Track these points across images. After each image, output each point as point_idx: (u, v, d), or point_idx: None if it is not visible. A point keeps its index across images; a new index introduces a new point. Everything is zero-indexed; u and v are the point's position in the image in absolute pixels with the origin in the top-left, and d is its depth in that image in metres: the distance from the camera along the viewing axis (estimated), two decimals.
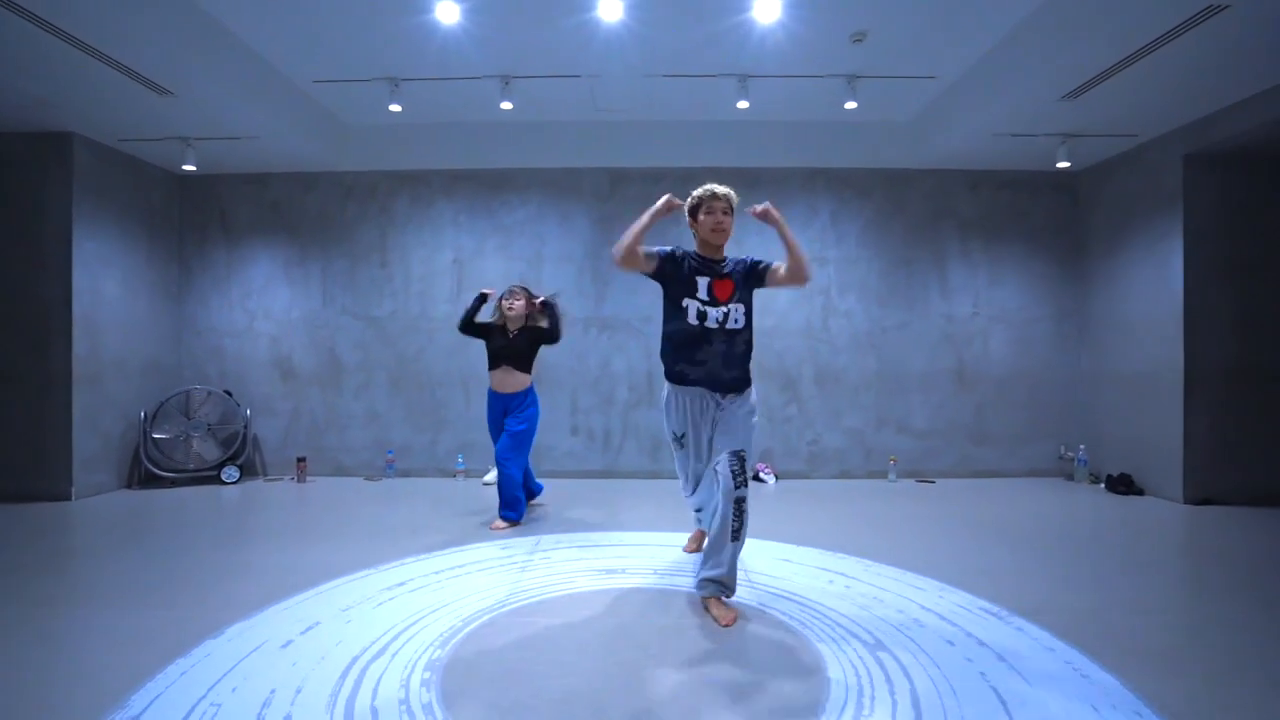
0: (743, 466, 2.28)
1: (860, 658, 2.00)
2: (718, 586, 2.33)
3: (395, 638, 2.14)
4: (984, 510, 4.04)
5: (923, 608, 2.40)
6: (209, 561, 2.96)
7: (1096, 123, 4.15)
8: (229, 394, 4.93)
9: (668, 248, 2.44)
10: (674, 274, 2.40)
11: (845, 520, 3.80)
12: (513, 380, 3.70)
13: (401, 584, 2.65)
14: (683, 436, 2.49)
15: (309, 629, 2.21)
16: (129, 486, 4.67)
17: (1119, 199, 4.73)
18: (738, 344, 2.38)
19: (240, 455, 4.89)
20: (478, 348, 5.09)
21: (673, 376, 2.46)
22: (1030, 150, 4.63)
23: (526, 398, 3.71)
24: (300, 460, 4.90)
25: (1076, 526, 3.69)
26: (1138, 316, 4.57)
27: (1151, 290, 4.45)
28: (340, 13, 3.49)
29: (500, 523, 3.53)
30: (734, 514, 2.24)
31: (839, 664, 1.96)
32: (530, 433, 3.71)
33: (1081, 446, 4.94)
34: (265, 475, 5.11)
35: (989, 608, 2.40)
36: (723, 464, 2.28)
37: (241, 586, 2.62)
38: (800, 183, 5.10)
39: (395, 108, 4.33)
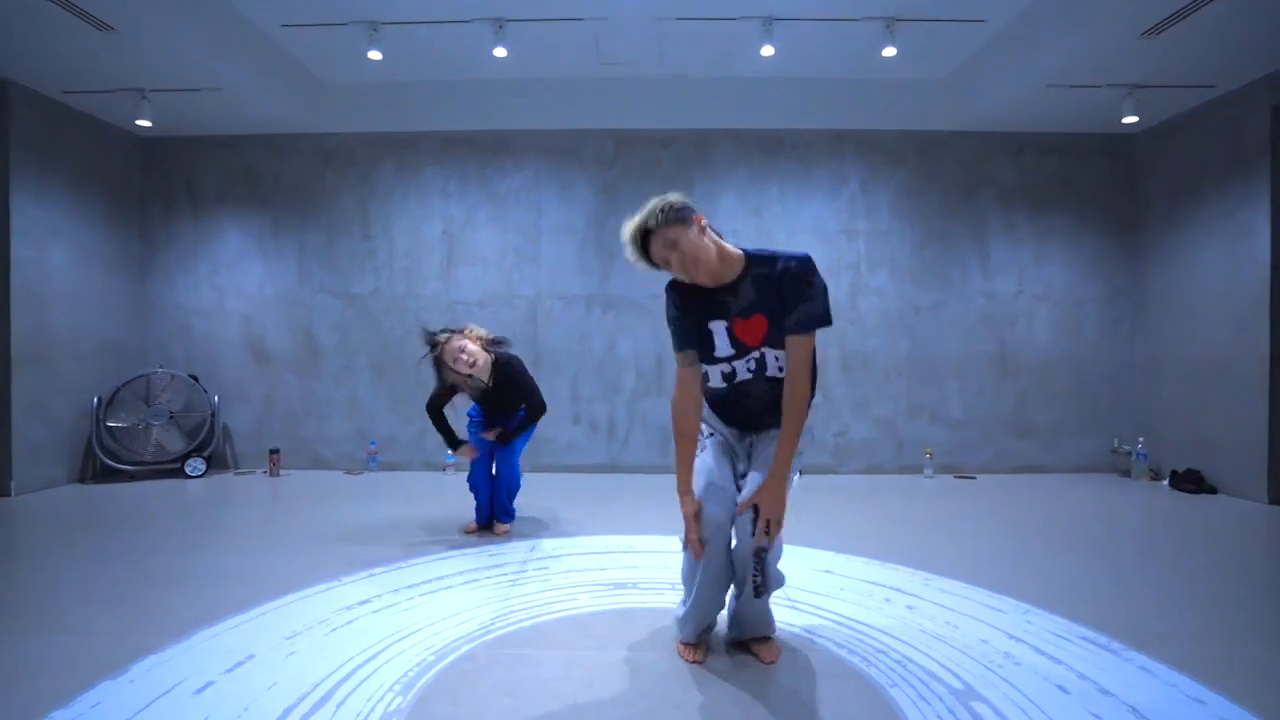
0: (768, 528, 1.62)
1: (950, 711, 1.52)
2: (747, 634, 1.83)
3: (346, 678, 1.67)
4: (1039, 510, 3.56)
5: (1010, 637, 1.92)
6: (144, 570, 2.50)
7: (1172, 70, 3.64)
8: (195, 379, 4.46)
9: (672, 307, 1.70)
10: (694, 329, 1.70)
11: (884, 522, 3.33)
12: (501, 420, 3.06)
13: (365, 602, 2.18)
14: (709, 435, 1.82)
15: (238, 665, 1.74)
16: (81, 480, 4.21)
17: (1187, 161, 4.21)
18: (779, 389, 1.69)
19: (207, 446, 4.42)
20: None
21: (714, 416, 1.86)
22: (1086, 107, 4.12)
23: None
24: (274, 452, 4.43)
25: (1155, 530, 3.21)
26: (1208, 295, 4.07)
27: (1227, 265, 3.94)
28: None
29: (503, 526, 3.06)
30: (754, 567, 1.65)
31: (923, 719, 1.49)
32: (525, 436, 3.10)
33: (1140, 440, 4.44)
34: (236, 468, 4.65)
35: (1092, 637, 1.92)
36: (744, 518, 1.65)
37: (173, 603, 2.16)
38: (826, 147, 4.59)
39: (375, 55, 3.83)
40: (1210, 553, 2.82)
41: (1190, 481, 4.05)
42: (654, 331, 4.57)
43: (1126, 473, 4.49)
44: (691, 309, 1.69)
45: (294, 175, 4.66)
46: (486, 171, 4.60)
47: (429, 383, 4.56)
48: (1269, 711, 1.51)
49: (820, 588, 2.34)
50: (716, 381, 1.73)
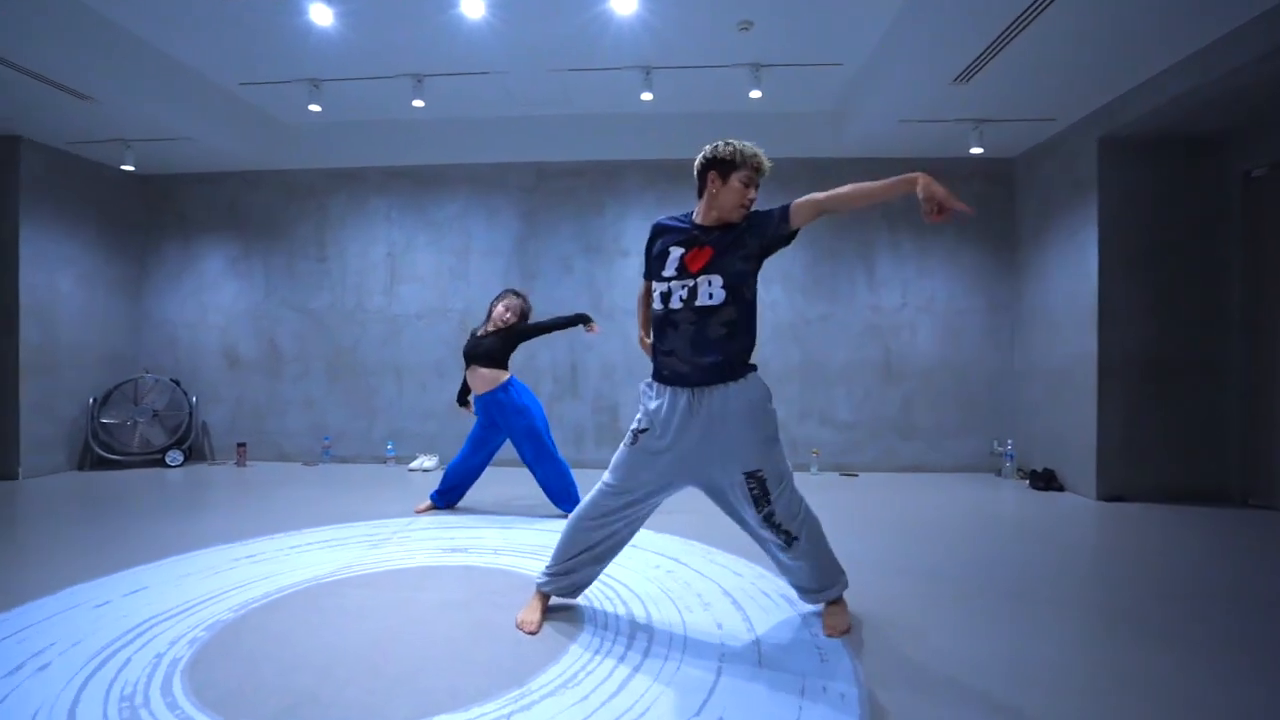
0: (763, 487, 1.95)
1: (616, 618, 2.06)
2: (812, 595, 2.12)
3: (203, 602, 2.30)
4: (892, 503, 3.99)
5: (720, 587, 2.44)
6: (97, 534, 3.18)
7: (1005, 107, 4.06)
8: (176, 383, 5.21)
9: (649, 243, 2.10)
10: (660, 257, 2.04)
11: None
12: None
13: (251, 556, 2.82)
14: (643, 431, 2.03)
15: (134, 592, 2.38)
16: (80, 468, 4.99)
17: (1044, 187, 4.61)
18: (712, 325, 1.93)
19: (186, 440, 5.17)
20: (409, 339, 5.29)
21: (654, 373, 2.09)
22: (950, 137, 4.55)
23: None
24: (240, 445, 5.15)
25: (975, 521, 3.62)
26: (1060, 308, 4.46)
27: (1071, 281, 4.33)
28: (239, 17, 3.66)
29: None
30: (770, 530, 2.00)
31: (593, 617, 2.03)
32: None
33: (1010, 441, 4.83)
34: (212, 460, 5.40)
35: (788, 593, 2.42)
36: (734, 493, 2.00)
37: (109, 555, 2.82)
38: None
39: (315, 108, 4.52)
40: (1003, 541, 3.26)
41: (1043, 480, 4.43)
42: (569, 344, 5.14)
43: (999, 472, 4.87)
44: (656, 242, 2.06)
45: (262, 205, 5.39)
46: (424, 201, 5.26)
47: (372, 384, 5.19)
48: (868, 664, 2.01)
49: (619, 559, 2.87)
50: (657, 305, 2.01)
